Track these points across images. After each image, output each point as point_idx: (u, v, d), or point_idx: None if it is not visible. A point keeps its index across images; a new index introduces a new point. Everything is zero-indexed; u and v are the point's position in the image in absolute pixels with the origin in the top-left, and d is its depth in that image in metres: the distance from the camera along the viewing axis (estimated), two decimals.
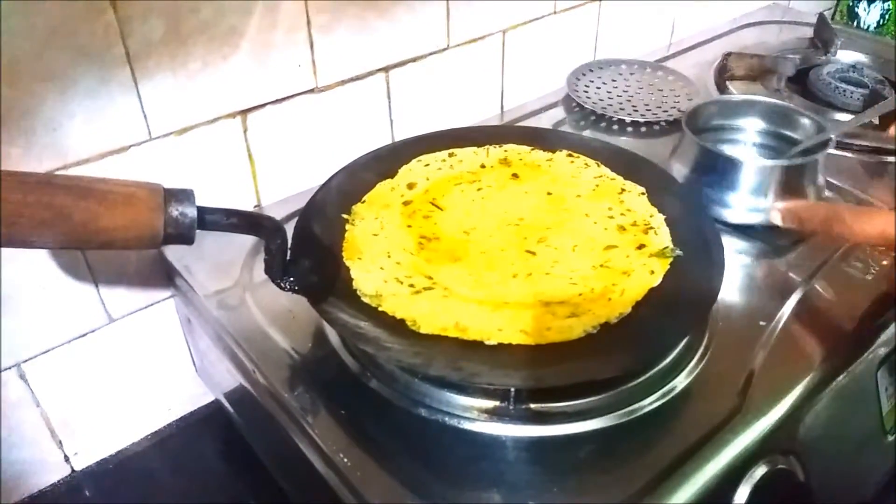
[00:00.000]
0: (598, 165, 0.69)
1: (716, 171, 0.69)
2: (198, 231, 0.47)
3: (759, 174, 0.67)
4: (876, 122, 0.85)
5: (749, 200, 0.68)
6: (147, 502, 0.72)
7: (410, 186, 0.67)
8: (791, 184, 0.68)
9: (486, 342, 0.51)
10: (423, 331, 0.52)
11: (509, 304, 0.54)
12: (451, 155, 0.71)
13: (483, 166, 0.70)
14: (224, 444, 0.75)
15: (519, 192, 0.67)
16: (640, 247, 0.59)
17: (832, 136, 0.71)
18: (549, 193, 0.66)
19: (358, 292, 0.55)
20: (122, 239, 0.43)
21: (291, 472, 0.59)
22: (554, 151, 0.71)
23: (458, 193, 0.66)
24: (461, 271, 0.57)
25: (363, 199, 0.65)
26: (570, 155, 0.71)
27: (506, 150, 0.72)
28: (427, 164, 0.69)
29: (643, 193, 0.66)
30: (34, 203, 0.40)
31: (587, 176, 0.68)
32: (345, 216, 0.63)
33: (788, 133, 0.76)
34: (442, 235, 0.61)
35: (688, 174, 0.72)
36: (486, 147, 0.72)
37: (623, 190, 0.66)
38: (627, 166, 0.69)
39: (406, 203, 0.65)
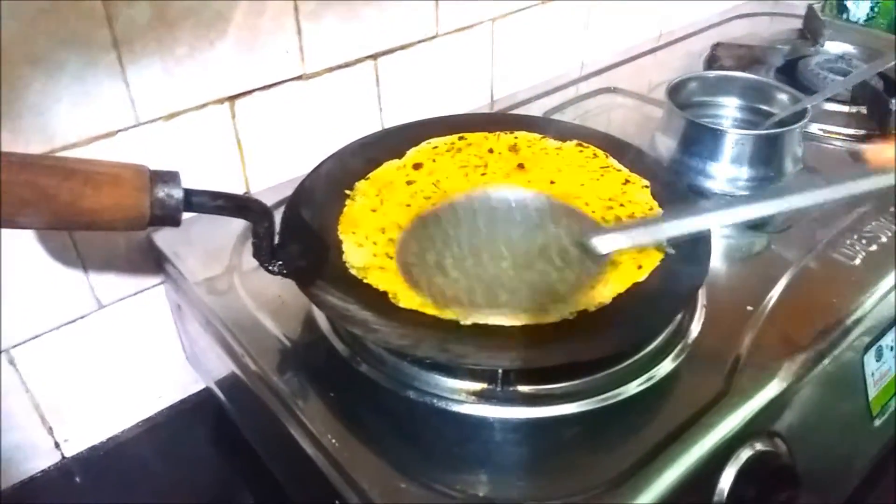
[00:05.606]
0: (607, 157, 0.69)
1: (698, 141, 0.71)
2: (187, 217, 0.47)
3: (739, 144, 0.69)
4: (864, 111, 0.86)
5: (729, 170, 0.71)
6: (138, 489, 0.71)
7: (416, 167, 0.67)
8: (770, 154, 0.70)
9: (462, 322, 0.51)
10: (402, 305, 0.52)
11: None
12: (460, 138, 0.71)
13: (491, 151, 0.69)
14: (215, 431, 0.75)
15: (522, 179, 0.66)
16: None
17: (808, 107, 0.73)
18: (552, 182, 0.66)
19: (347, 264, 0.55)
20: (107, 220, 0.43)
21: (282, 457, 0.59)
22: (564, 141, 0.71)
23: (461, 177, 0.66)
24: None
25: (368, 176, 0.65)
26: (579, 144, 0.70)
27: (516, 137, 0.71)
28: (435, 147, 0.70)
29: (646, 186, 0.65)
30: (19, 182, 0.40)
31: (593, 166, 0.68)
32: (347, 192, 0.63)
33: (766, 108, 0.79)
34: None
35: (672, 146, 0.73)
36: (498, 133, 0.71)
37: (627, 181, 0.66)
38: (636, 161, 0.68)
39: (409, 182, 0.65)
